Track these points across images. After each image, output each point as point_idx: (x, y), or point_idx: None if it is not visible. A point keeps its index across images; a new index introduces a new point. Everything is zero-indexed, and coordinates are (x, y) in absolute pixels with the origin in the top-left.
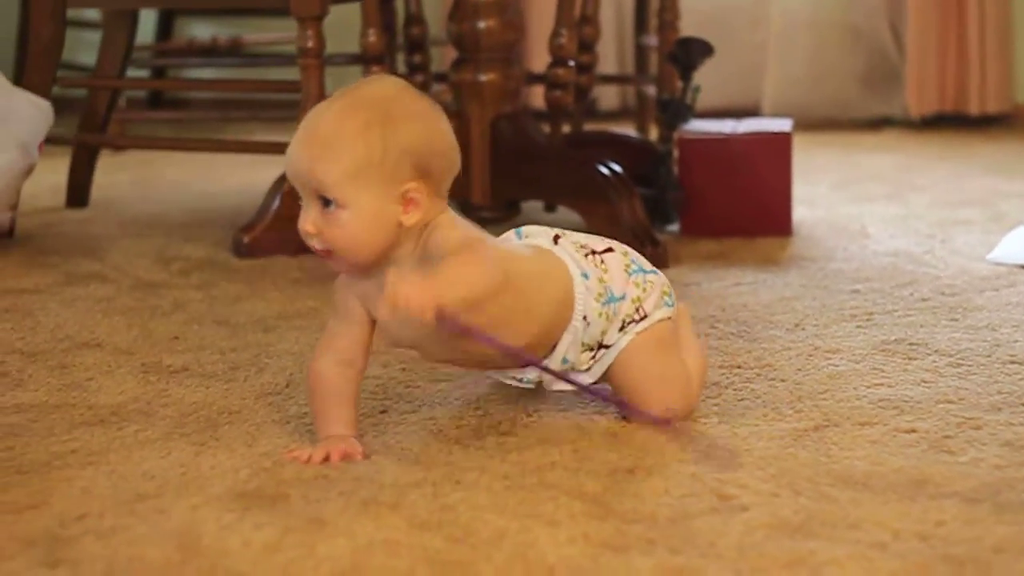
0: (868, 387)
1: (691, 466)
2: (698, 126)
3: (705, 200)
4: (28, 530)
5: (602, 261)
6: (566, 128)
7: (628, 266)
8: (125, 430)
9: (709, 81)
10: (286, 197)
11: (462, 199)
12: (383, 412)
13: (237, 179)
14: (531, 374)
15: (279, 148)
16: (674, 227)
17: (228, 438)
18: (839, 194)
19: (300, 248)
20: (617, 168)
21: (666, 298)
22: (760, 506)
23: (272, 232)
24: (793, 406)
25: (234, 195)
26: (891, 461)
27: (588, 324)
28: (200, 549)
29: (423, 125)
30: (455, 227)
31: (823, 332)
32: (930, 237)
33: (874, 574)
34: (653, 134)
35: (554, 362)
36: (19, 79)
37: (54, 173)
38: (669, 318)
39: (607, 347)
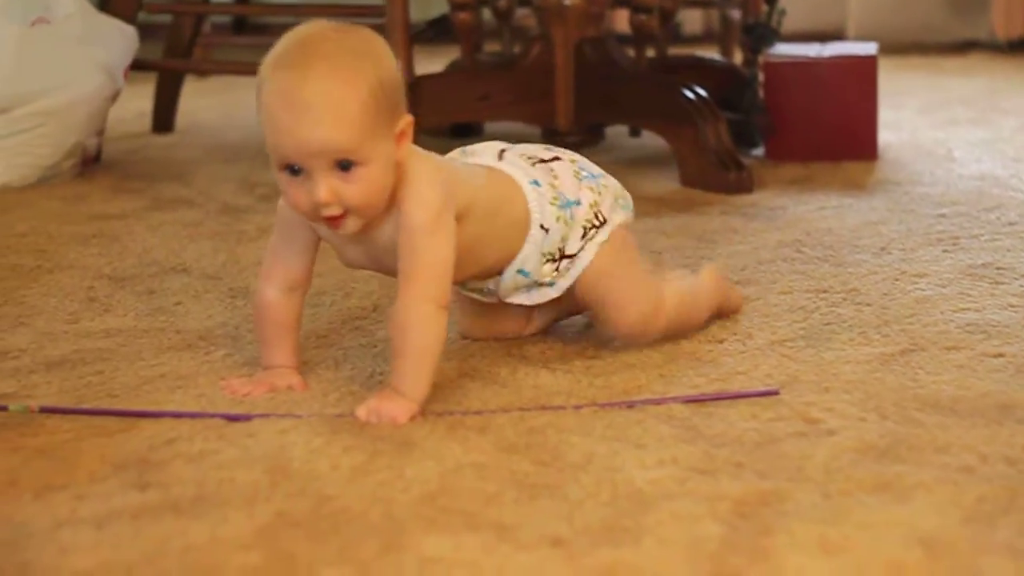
0: (955, 311)
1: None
2: (783, 50)
3: (790, 124)
4: (119, 453)
5: (551, 169)
6: (650, 52)
7: (577, 172)
8: (213, 355)
9: (794, 4)
10: None
11: (547, 124)
12: (466, 338)
13: None
14: (491, 285)
15: None
16: (759, 151)
17: (315, 362)
18: (924, 118)
19: None
20: (702, 92)
21: (621, 202)
22: (847, 430)
23: None
24: (880, 330)
25: None
26: (978, 385)
27: (547, 232)
28: (289, 472)
29: (387, 58)
30: (426, 190)
31: (909, 256)
32: (1016, 161)
33: (961, 498)
34: (737, 58)
35: (509, 274)
36: (104, 5)
37: (140, 99)
38: (627, 224)
39: (570, 257)
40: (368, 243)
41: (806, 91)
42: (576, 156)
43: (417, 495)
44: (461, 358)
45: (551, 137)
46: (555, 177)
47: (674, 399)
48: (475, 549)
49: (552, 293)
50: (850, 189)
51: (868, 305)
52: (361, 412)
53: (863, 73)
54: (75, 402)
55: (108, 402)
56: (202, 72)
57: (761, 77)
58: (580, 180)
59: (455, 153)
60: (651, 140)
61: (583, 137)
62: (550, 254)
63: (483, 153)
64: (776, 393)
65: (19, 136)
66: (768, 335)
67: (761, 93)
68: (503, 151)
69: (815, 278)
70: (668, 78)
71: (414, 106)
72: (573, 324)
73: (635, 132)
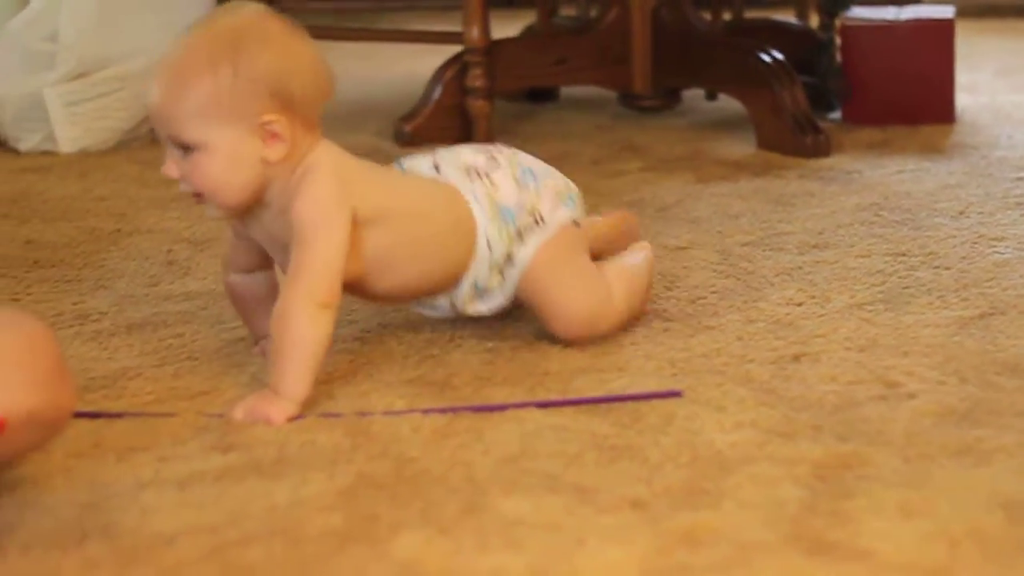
0: None
1: (857, 353)
2: (859, 13)
3: (867, 87)
4: (201, 415)
5: (491, 182)
6: (727, 15)
7: (517, 177)
8: None
9: None
10: (447, 86)
11: (623, 88)
12: None
13: (397, 69)
14: (443, 301)
15: (438, 37)
16: (836, 115)
17: (394, 325)
18: (1002, 81)
19: (462, 136)
20: (779, 55)
21: (565, 200)
22: (926, 393)
23: (434, 120)
24: (959, 294)
25: (394, 85)
26: None
27: (491, 249)
28: (370, 434)
29: (279, 52)
30: (318, 186)
31: (988, 220)
32: None
33: None
34: (813, 21)
35: (465, 287)
36: None
37: None
38: (575, 223)
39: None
40: (265, 232)
41: (883, 54)
42: (515, 152)
43: (498, 457)
44: (540, 321)
45: (629, 101)
46: (495, 188)
47: (565, 402)
48: (556, 511)
49: (500, 299)
50: (928, 152)
51: (947, 269)
52: (238, 412)
53: (940, 36)
54: (158, 364)
55: (188, 365)
56: None
57: (837, 40)
58: (519, 184)
59: (392, 165)
60: (728, 104)
61: (660, 101)
62: (498, 265)
63: (419, 165)
64: (679, 395)
65: (98, 100)
66: (847, 298)
67: (837, 56)
68: (437, 165)
69: (893, 241)
70: (745, 42)
71: (491, 71)
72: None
73: (711, 96)
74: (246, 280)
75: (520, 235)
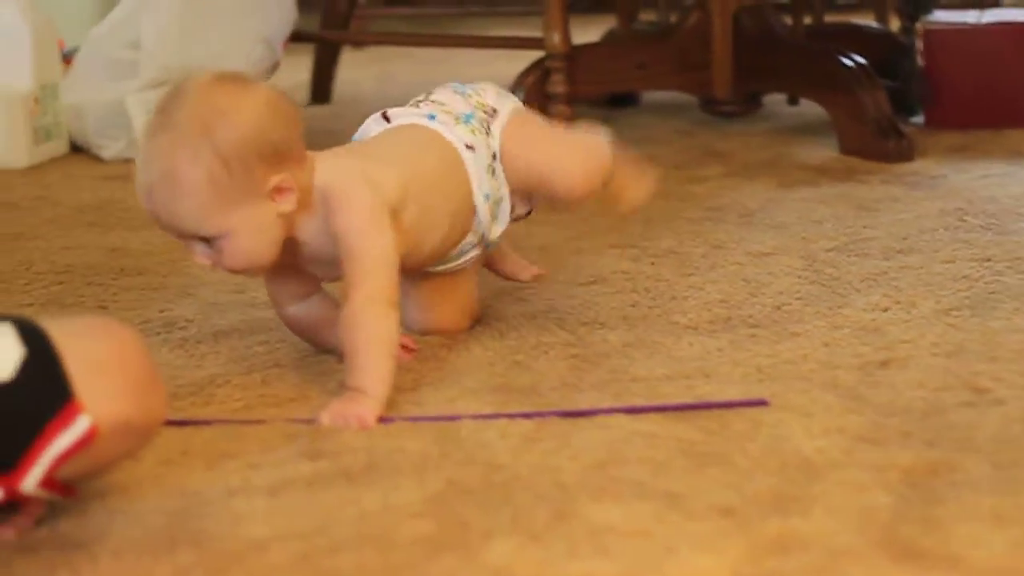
0: None
1: (944, 359)
2: (940, 17)
3: (950, 91)
4: (289, 422)
5: (434, 100)
6: (807, 20)
7: (454, 89)
8: None
9: None
10: (529, 91)
11: (704, 93)
12: (632, 306)
13: (475, 75)
14: (471, 239)
15: (519, 43)
16: (918, 119)
17: (479, 332)
18: None
19: None
20: (860, 59)
21: (504, 95)
22: (1016, 399)
23: None
24: None
25: None
26: None
27: (474, 150)
28: (459, 441)
29: (244, 114)
30: (351, 195)
31: None
32: None
33: None
34: (894, 24)
35: (480, 206)
36: None
37: (297, 70)
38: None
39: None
40: (305, 258)
41: (966, 58)
42: (454, 83)
43: (586, 463)
44: (626, 327)
45: (709, 106)
46: (442, 104)
47: (653, 408)
48: (645, 518)
49: (505, 198)
50: (1013, 157)
51: None
52: (325, 417)
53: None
54: (245, 371)
55: (276, 372)
56: (358, 43)
57: (919, 44)
58: (460, 95)
59: (375, 119)
60: (809, 108)
61: (740, 106)
62: (489, 165)
63: (409, 115)
64: (766, 403)
65: None
66: (932, 304)
67: (919, 60)
68: (384, 114)
69: (978, 246)
70: (826, 46)
71: (572, 76)
72: (738, 291)
73: (793, 101)
74: (302, 308)
75: (487, 130)
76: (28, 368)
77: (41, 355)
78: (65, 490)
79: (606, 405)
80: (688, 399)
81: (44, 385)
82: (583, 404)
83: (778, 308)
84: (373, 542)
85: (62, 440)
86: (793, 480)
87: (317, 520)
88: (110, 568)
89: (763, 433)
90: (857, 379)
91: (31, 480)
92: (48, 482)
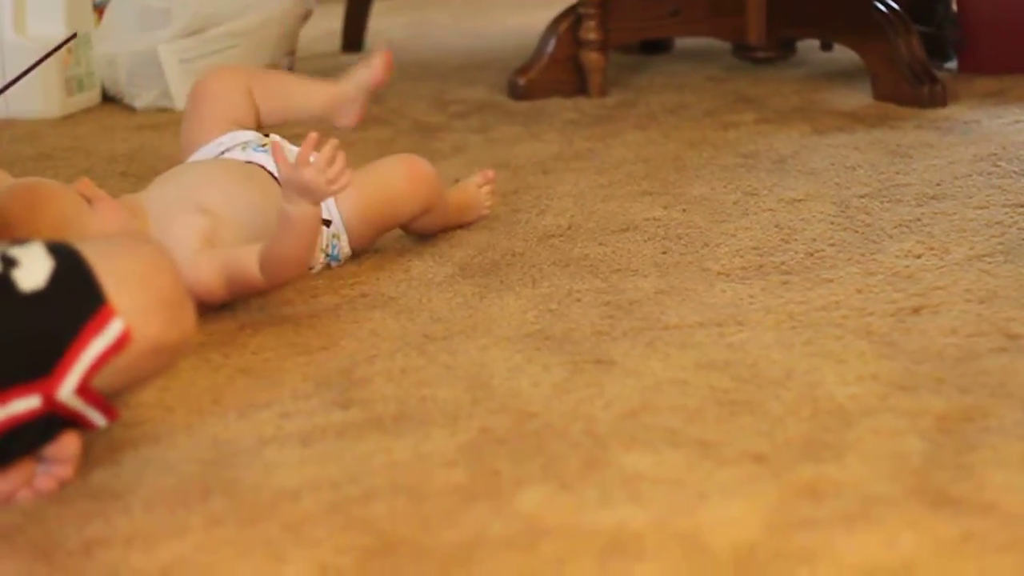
0: None
1: (977, 305)
2: None
3: (983, 37)
4: (321, 371)
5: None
6: None
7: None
8: (411, 272)
9: None
10: (561, 39)
11: (737, 39)
12: (664, 253)
13: (509, 22)
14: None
15: None
16: (951, 64)
17: (511, 280)
18: None
19: (576, 89)
20: (893, 4)
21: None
22: None
23: (548, 74)
24: None
25: (506, 38)
26: None
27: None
28: (490, 389)
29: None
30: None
31: None
32: None
33: None
34: None
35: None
36: None
37: (329, 18)
38: None
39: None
40: None
41: (1000, 3)
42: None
43: (618, 412)
44: (658, 274)
45: (742, 53)
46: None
47: None
48: (677, 466)
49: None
50: None
51: None
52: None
53: None
54: (276, 321)
55: (308, 321)
56: None
57: None
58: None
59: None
60: (843, 54)
61: (774, 52)
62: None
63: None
64: None
65: (212, 57)
66: (966, 250)
67: (953, 5)
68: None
69: (1012, 192)
70: None
71: (604, 23)
72: (771, 239)
73: (827, 46)
74: None
75: None
76: (59, 277)
77: (72, 266)
78: (102, 405)
79: (638, 354)
80: (721, 347)
81: (76, 292)
82: (615, 353)
83: (811, 255)
84: (405, 491)
85: (97, 343)
86: (826, 427)
87: (349, 469)
88: (143, 518)
89: (796, 380)
90: (890, 326)
91: (68, 385)
92: (85, 390)
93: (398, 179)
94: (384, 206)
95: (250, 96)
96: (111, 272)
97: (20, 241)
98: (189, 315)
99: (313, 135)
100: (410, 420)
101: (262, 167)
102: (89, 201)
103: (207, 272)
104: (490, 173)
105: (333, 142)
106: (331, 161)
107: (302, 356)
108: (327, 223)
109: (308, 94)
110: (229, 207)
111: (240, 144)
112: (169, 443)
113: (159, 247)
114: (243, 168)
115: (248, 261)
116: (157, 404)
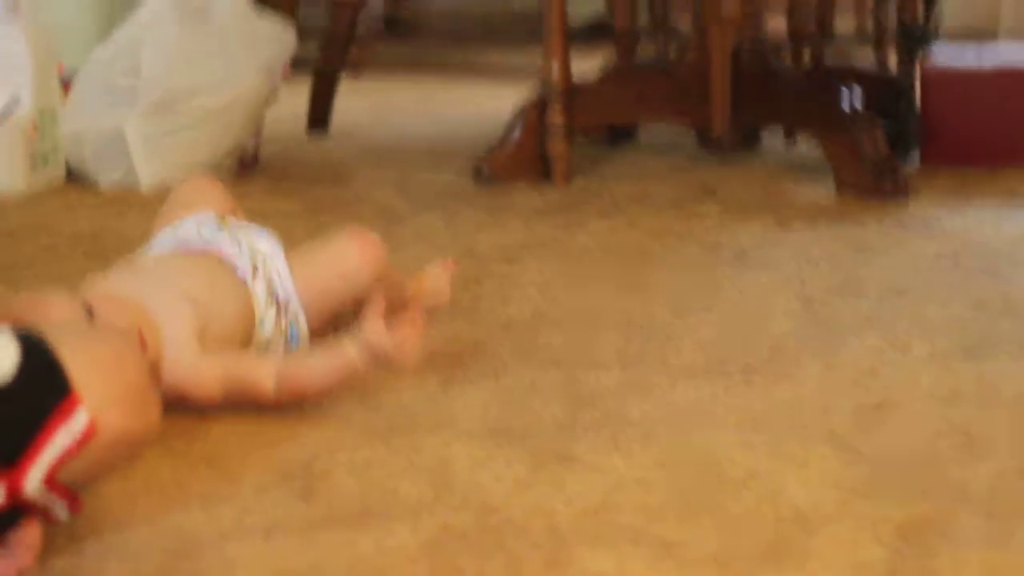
0: None
1: (938, 405)
2: (939, 54)
3: (946, 131)
4: (283, 461)
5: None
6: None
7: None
8: None
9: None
10: (528, 124)
11: (702, 127)
12: (627, 344)
13: (474, 107)
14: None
15: (516, 73)
16: (914, 158)
17: (475, 372)
18: None
19: (541, 176)
20: (858, 98)
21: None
22: (1009, 447)
23: (513, 160)
24: None
25: (472, 123)
26: None
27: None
28: (453, 485)
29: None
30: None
31: None
32: None
33: None
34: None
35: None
36: (263, 3)
37: (294, 98)
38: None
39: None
40: None
41: (965, 100)
42: None
43: (580, 509)
44: (620, 368)
45: (707, 143)
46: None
47: None
48: (639, 566)
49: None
50: (1008, 197)
51: None
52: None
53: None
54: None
55: (271, 411)
56: (357, 70)
57: (917, 85)
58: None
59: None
60: (808, 147)
61: (739, 143)
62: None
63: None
64: None
65: (178, 135)
66: (927, 347)
67: (916, 99)
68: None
69: (973, 290)
70: (825, 84)
71: (570, 109)
72: (732, 335)
73: (790, 137)
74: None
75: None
76: (25, 367)
77: (37, 353)
78: (68, 496)
79: (601, 449)
80: (680, 445)
81: (42, 382)
82: (578, 448)
83: (773, 349)
84: None
85: (63, 434)
86: (788, 532)
87: (311, 564)
88: None
89: (758, 482)
90: (852, 425)
91: (34, 478)
92: (51, 481)
93: (349, 252)
94: (337, 280)
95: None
96: (76, 360)
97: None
98: (154, 405)
99: (382, 299)
100: (373, 515)
101: (219, 253)
102: (90, 312)
103: (209, 379)
104: (450, 262)
105: (414, 314)
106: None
107: (265, 447)
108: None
109: None
110: (212, 302)
111: (196, 224)
112: (131, 532)
113: (124, 335)
114: (206, 259)
115: (258, 375)
116: (120, 492)
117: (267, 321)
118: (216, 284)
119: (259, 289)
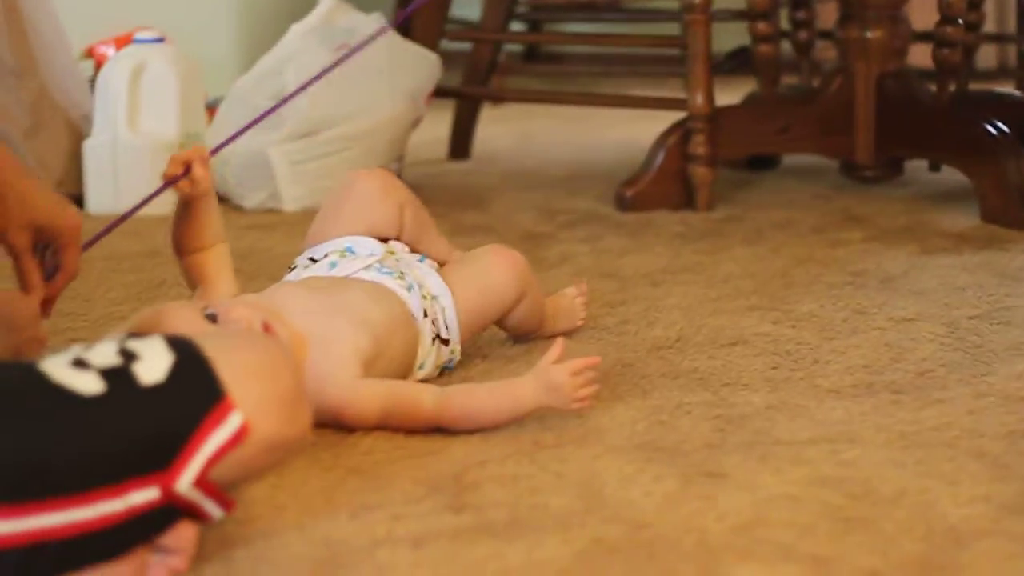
0: None
1: None
2: None
3: None
4: (431, 474)
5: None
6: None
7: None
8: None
9: None
10: (670, 152)
11: (845, 157)
12: (774, 368)
13: (615, 134)
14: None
15: (660, 103)
16: None
17: (622, 390)
18: None
19: (683, 203)
20: (1004, 127)
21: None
22: None
23: (656, 186)
24: None
25: (610, 150)
26: None
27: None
28: (603, 499)
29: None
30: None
31: None
32: None
33: None
34: None
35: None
36: (408, 32)
37: (437, 125)
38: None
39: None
40: None
41: None
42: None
43: (731, 525)
44: (768, 389)
45: (850, 171)
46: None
47: None
48: None
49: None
50: None
51: None
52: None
53: None
54: None
55: None
56: (498, 99)
57: None
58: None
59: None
60: (951, 175)
61: (881, 171)
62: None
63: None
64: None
65: (322, 160)
66: None
67: None
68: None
69: None
70: (970, 112)
71: (714, 138)
72: (881, 357)
73: (935, 167)
74: None
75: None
76: (179, 371)
77: (192, 360)
78: (220, 496)
79: (750, 469)
80: (833, 464)
81: (196, 386)
82: (726, 467)
83: (921, 374)
84: None
85: (216, 437)
86: (940, 547)
87: (461, 573)
88: None
89: (909, 499)
90: (1003, 448)
91: (186, 478)
92: (203, 482)
93: (494, 269)
94: (485, 298)
95: (401, 211)
96: (230, 366)
97: (140, 335)
98: (306, 413)
99: (563, 342)
100: (522, 526)
101: (394, 287)
102: (214, 319)
103: (367, 400)
104: (583, 285)
105: (594, 359)
106: (581, 371)
107: (412, 459)
108: (445, 342)
109: (433, 245)
110: (390, 337)
111: (364, 259)
112: (281, 541)
113: (279, 343)
114: (387, 295)
115: (419, 398)
116: (269, 502)
117: (427, 364)
118: (395, 320)
119: (426, 330)
